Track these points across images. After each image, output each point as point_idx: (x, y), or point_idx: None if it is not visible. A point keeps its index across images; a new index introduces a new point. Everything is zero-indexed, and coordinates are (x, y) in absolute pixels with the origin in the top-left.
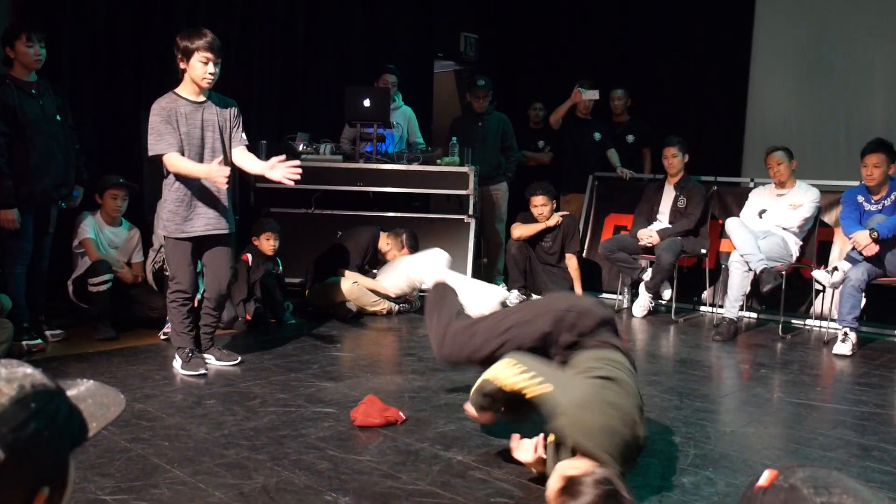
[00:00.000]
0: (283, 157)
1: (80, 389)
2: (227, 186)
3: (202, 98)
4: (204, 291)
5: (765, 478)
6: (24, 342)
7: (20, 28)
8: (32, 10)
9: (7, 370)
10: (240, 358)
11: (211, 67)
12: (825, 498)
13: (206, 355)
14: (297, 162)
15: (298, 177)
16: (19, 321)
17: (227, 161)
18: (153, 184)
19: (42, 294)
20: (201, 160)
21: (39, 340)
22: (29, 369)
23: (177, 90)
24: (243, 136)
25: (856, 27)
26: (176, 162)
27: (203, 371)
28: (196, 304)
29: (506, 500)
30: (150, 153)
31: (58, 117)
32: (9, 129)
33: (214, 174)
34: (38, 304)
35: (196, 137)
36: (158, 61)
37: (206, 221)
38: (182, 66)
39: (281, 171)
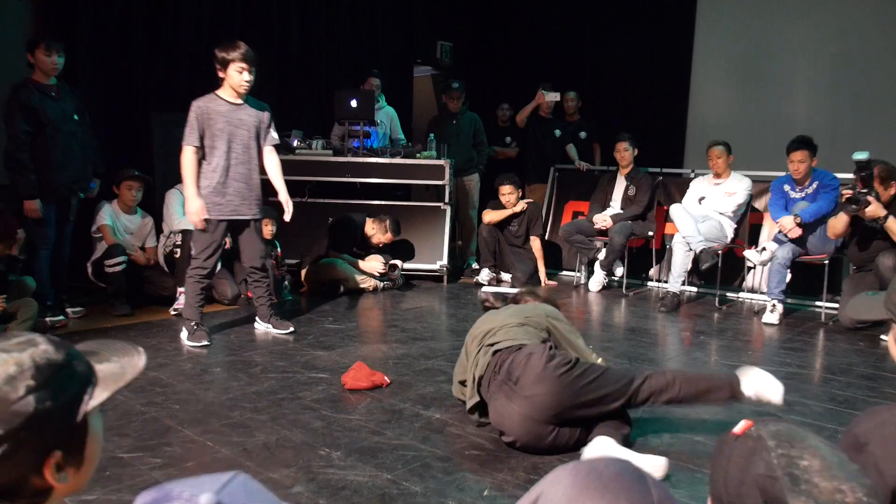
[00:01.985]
0: (290, 206)
1: (114, 364)
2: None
3: (239, 101)
4: (246, 267)
5: (740, 426)
6: (47, 319)
7: (40, 38)
8: (51, 21)
9: (15, 343)
10: (292, 327)
11: (246, 76)
12: (786, 450)
13: (265, 324)
14: (290, 214)
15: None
16: (43, 300)
17: (259, 159)
18: (165, 177)
19: (64, 275)
20: (230, 154)
21: (62, 317)
22: (37, 344)
23: (217, 91)
24: (274, 135)
25: (784, 38)
26: (186, 160)
27: (205, 342)
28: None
29: (478, 452)
30: (182, 142)
31: (76, 117)
32: (31, 128)
33: (190, 214)
34: (60, 284)
35: (230, 134)
36: (166, 66)
37: (234, 208)
38: (221, 74)
39: (287, 210)
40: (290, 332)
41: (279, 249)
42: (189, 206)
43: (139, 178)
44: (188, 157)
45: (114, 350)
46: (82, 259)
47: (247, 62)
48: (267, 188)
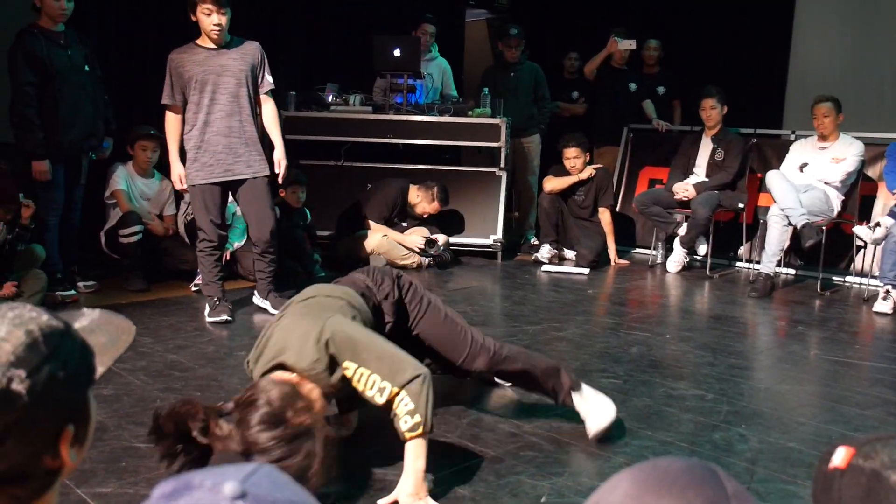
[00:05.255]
0: (285, 168)
1: (86, 321)
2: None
3: (217, 46)
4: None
5: (841, 457)
6: (57, 293)
7: None
8: None
9: (14, 314)
10: None
11: (215, 19)
12: None
13: (262, 300)
14: (283, 176)
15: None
16: (53, 272)
17: (255, 109)
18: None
19: (75, 245)
20: (213, 107)
21: (73, 291)
22: (34, 312)
23: (197, 40)
24: (269, 79)
25: None
26: (168, 121)
27: (225, 318)
28: (228, 257)
29: (535, 453)
30: (161, 102)
31: (86, 67)
32: (37, 80)
33: (175, 178)
34: (70, 254)
35: (210, 83)
36: (181, 11)
37: (226, 167)
38: (193, 18)
39: (279, 170)
40: None
41: (310, 218)
42: (171, 173)
43: (154, 137)
44: (168, 119)
45: (91, 318)
46: (94, 227)
47: (214, 3)
48: (299, 150)
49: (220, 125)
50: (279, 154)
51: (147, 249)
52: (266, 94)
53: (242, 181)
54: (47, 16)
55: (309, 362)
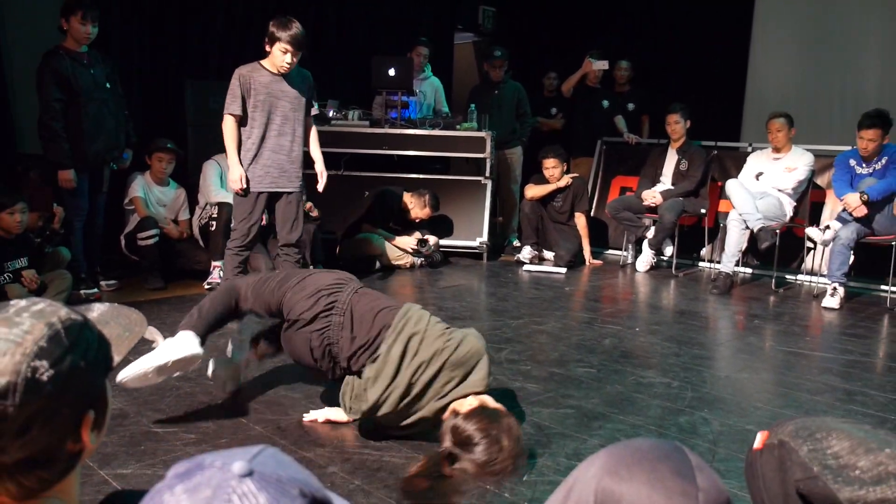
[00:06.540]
0: (324, 177)
1: (97, 313)
2: (241, 189)
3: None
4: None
5: (759, 440)
6: (81, 291)
7: (78, 5)
8: None
9: (37, 308)
10: None
11: (288, 58)
12: (811, 445)
13: None
14: (322, 185)
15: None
16: (77, 272)
17: (306, 128)
18: (198, 147)
19: (97, 248)
20: (269, 125)
21: (96, 290)
22: (54, 306)
23: (262, 61)
24: (315, 105)
25: (854, 1)
26: (227, 128)
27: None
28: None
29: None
30: (224, 111)
31: (108, 85)
32: (63, 97)
33: (233, 182)
34: (93, 256)
35: (269, 105)
36: (200, 34)
37: (272, 180)
38: (267, 48)
39: (321, 181)
40: None
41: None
42: (230, 174)
43: (170, 150)
44: (229, 125)
45: (101, 311)
46: (115, 231)
47: (292, 45)
48: (303, 161)
49: (273, 142)
50: (321, 167)
51: (163, 251)
52: (309, 117)
53: (283, 194)
54: (73, 38)
55: (480, 381)
